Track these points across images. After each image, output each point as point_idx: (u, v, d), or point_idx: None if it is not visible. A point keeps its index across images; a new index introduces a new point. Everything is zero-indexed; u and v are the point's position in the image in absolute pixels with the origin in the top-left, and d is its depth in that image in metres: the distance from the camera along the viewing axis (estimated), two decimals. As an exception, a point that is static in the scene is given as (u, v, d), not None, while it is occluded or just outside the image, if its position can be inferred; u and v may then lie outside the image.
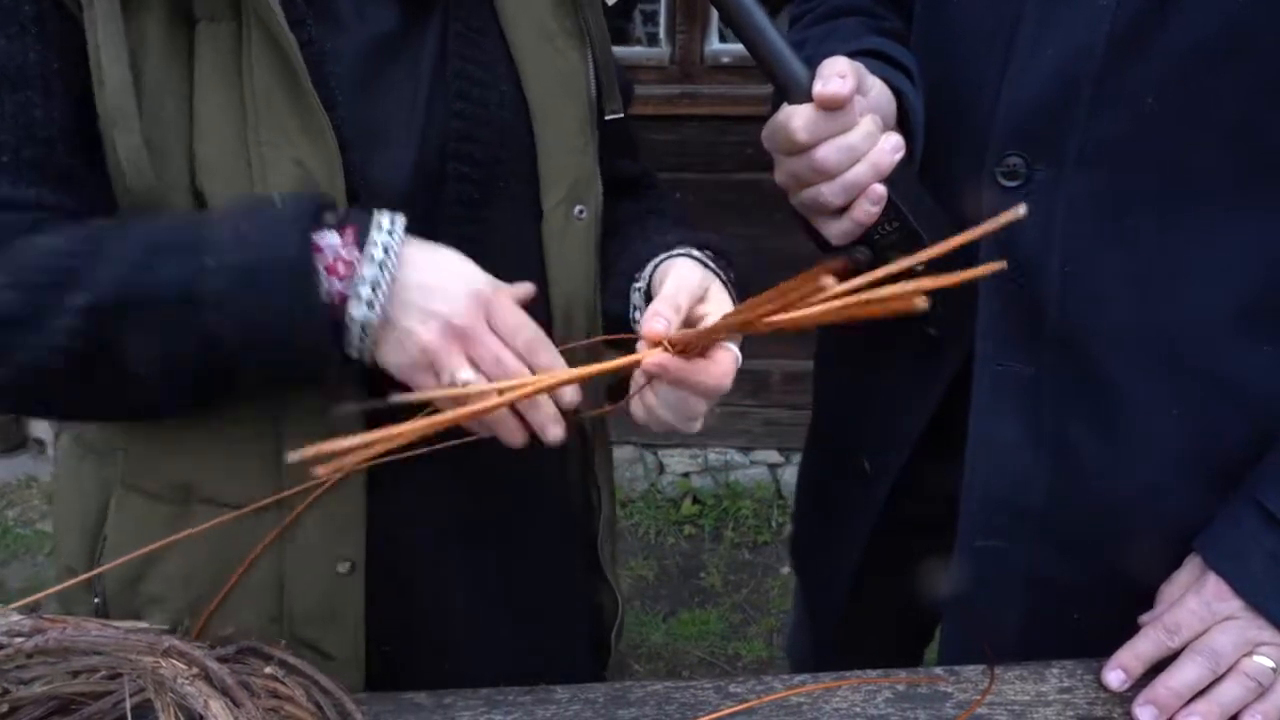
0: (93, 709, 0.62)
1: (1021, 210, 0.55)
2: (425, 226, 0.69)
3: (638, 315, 0.74)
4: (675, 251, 0.73)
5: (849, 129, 0.68)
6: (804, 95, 0.69)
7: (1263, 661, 0.66)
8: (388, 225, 0.63)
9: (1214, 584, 0.69)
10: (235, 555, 0.71)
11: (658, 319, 0.62)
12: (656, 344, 0.62)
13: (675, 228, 0.79)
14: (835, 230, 0.73)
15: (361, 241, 0.61)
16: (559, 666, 0.77)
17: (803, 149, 0.69)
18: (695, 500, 2.90)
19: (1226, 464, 0.73)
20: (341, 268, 0.61)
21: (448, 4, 0.72)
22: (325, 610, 0.73)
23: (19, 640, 0.59)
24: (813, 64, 0.80)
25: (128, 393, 0.64)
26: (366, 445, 0.53)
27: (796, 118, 0.69)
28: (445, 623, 0.78)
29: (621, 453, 2.92)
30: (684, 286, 0.66)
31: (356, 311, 0.61)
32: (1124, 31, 0.66)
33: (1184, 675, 0.68)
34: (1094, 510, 0.77)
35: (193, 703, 0.57)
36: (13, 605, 0.62)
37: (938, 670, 0.74)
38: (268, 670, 0.68)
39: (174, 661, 0.59)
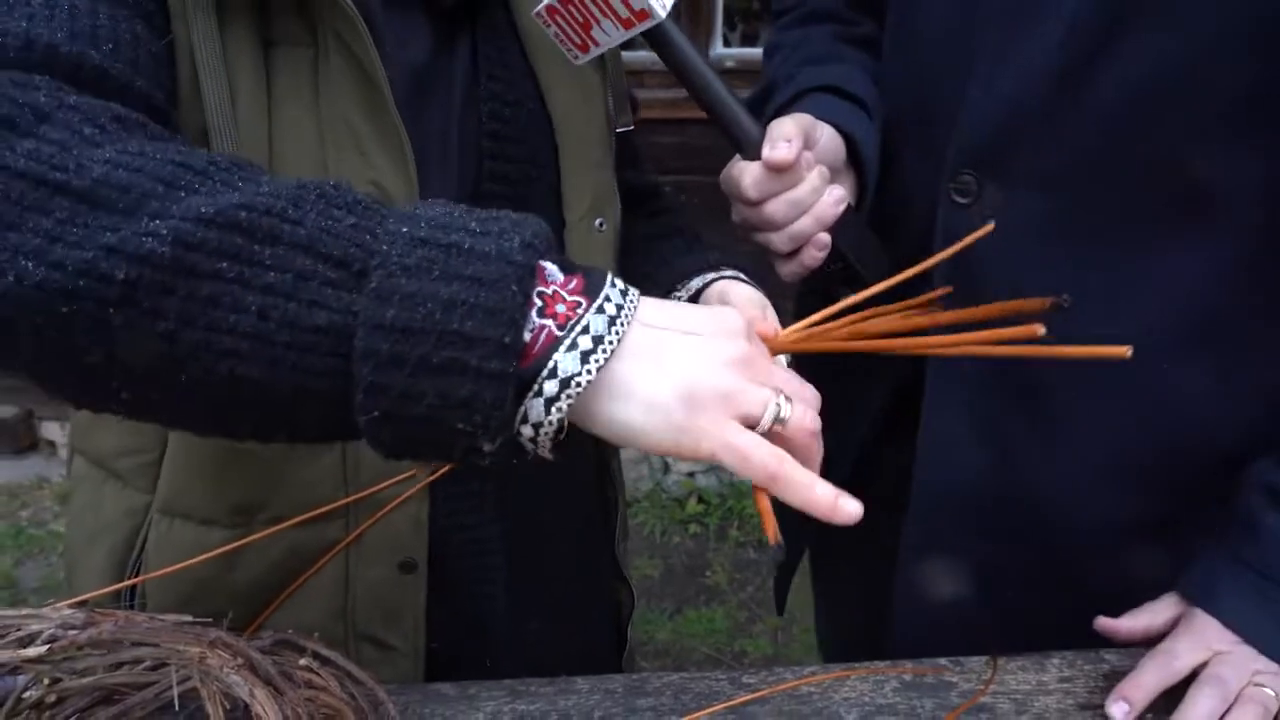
0: (135, 699, 0.65)
1: (990, 227, 0.62)
2: None
3: None
4: (724, 273, 0.75)
5: (795, 185, 0.75)
6: (754, 152, 0.75)
7: (1266, 691, 0.69)
8: (622, 285, 0.50)
9: (1201, 619, 0.73)
10: (300, 563, 0.73)
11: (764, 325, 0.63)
12: None
13: (709, 248, 0.82)
14: (785, 270, 0.80)
15: (591, 292, 0.48)
16: (586, 659, 0.80)
17: (753, 204, 0.76)
18: (700, 499, 2.93)
19: (1151, 471, 0.79)
20: (562, 309, 0.47)
21: (475, 27, 0.74)
22: (388, 607, 0.76)
23: (73, 633, 0.62)
24: (776, 88, 0.87)
25: (167, 373, 0.45)
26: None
27: (747, 176, 0.75)
28: (490, 621, 0.82)
29: (626, 453, 2.95)
30: (755, 305, 0.69)
31: (565, 361, 0.46)
32: (1070, 66, 0.71)
33: (1200, 708, 0.69)
34: (1029, 504, 0.83)
35: (238, 691, 0.60)
36: (64, 601, 0.65)
37: (942, 661, 0.77)
38: (302, 662, 0.71)
39: (220, 652, 0.62)
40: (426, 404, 0.45)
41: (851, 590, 1.09)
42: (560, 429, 0.47)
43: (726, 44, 2.59)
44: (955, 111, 0.78)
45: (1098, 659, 0.78)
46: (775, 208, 0.75)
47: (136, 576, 0.75)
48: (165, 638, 0.63)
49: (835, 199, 0.76)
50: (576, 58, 0.74)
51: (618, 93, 0.82)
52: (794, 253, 0.78)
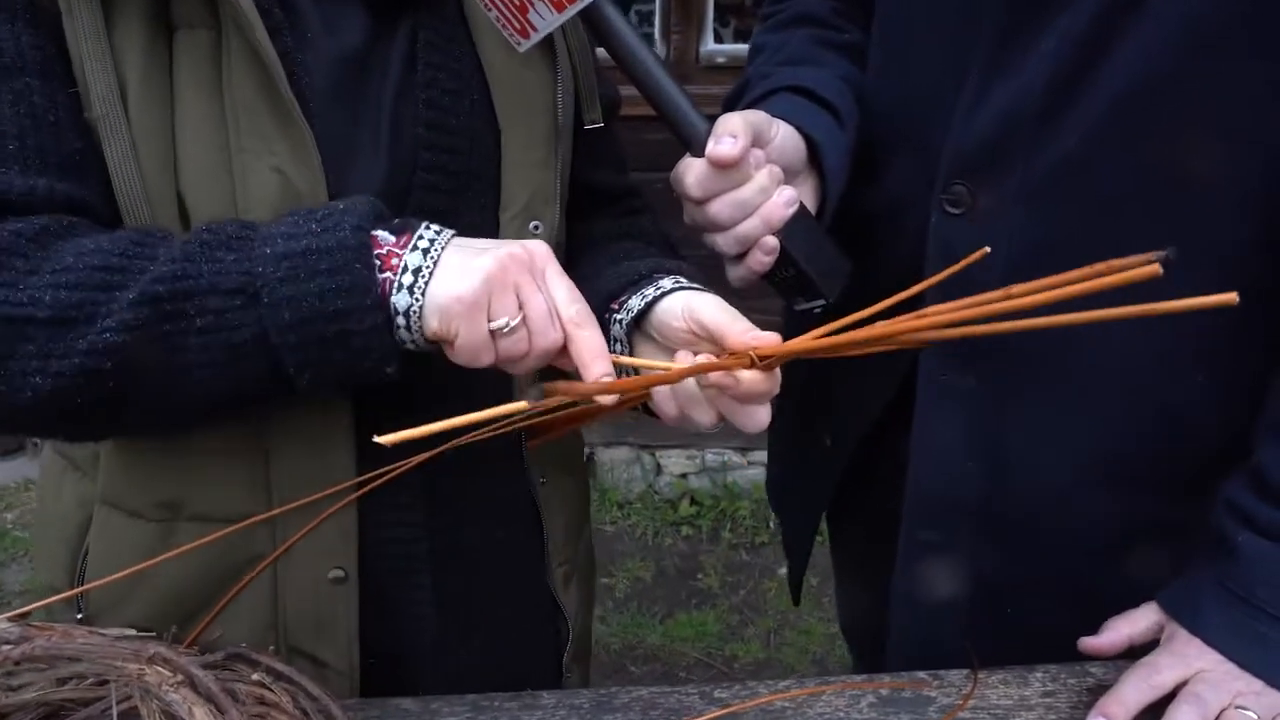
0: (79, 716, 0.62)
1: (986, 250, 0.61)
2: None
3: (619, 349, 0.72)
4: (662, 285, 0.71)
5: (741, 184, 0.72)
6: (701, 150, 0.72)
7: (1248, 714, 0.67)
8: (436, 228, 0.63)
9: (1183, 636, 0.71)
10: (227, 569, 0.71)
11: (756, 335, 0.63)
12: (743, 356, 0.62)
13: (648, 254, 0.78)
14: (734, 275, 0.77)
15: (411, 240, 0.62)
16: (521, 689, 0.77)
17: (697, 203, 0.73)
18: (693, 501, 2.91)
19: (1135, 477, 0.78)
20: (394, 260, 0.61)
21: (417, 13, 0.71)
22: (319, 619, 0.73)
23: (7, 648, 0.59)
24: (751, 86, 0.86)
25: (170, 398, 0.62)
26: (441, 433, 0.56)
27: (690, 174, 0.72)
28: (420, 640, 0.79)
29: (619, 454, 2.93)
30: (726, 313, 0.66)
31: (400, 300, 0.60)
32: (1060, 79, 0.70)
33: None
34: (1019, 508, 0.82)
35: (177, 709, 0.58)
36: (1, 615, 0.62)
37: (921, 674, 0.75)
38: (255, 677, 0.68)
39: (159, 669, 0.59)
40: (339, 360, 0.61)
41: (861, 580, 1.09)
42: (424, 331, 0.62)
43: (719, 40, 2.56)
44: (947, 122, 0.77)
45: (1083, 672, 0.75)
46: (719, 208, 0.72)
47: (85, 560, 0.74)
48: (104, 653, 0.60)
49: (785, 201, 0.73)
50: (519, 44, 0.72)
51: (585, 88, 0.78)
52: (743, 256, 0.75)
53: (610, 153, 0.86)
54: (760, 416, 0.65)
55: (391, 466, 0.66)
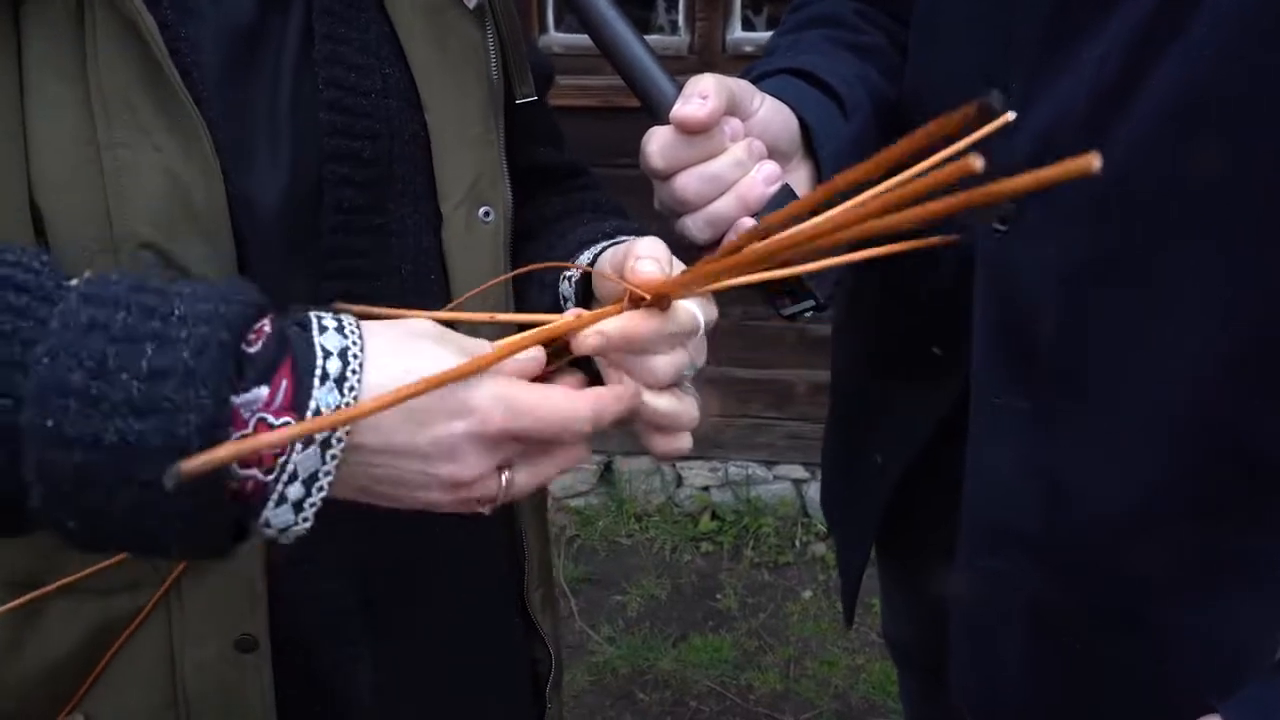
0: None
1: (1011, 116, 0.54)
2: (307, 243, 0.59)
3: (568, 307, 0.65)
4: (620, 239, 0.63)
5: (713, 156, 0.62)
6: (668, 114, 0.63)
7: None
8: (335, 370, 0.44)
9: None
10: (111, 641, 0.60)
11: (647, 262, 0.54)
12: (637, 296, 0.54)
13: (612, 218, 0.71)
14: None
15: (300, 401, 0.42)
16: None
17: (661, 176, 0.63)
18: (714, 515, 2.76)
19: (1205, 500, 0.71)
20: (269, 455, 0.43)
21: None
22: (225, 694, 0.62)
23: None
24: (747, 73, 0.76)
25: None
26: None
27: (653, 141, 0.63)
28: (354, 703, 0.68)
29: (638, 464, 2.79)
30: (658, 248, 0.57)
31: (279, 516, 0.43)
32: (1104, 92, 0.64)
33: None
34: (1076, 538, 0.75)
35: None
36: None
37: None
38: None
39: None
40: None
41: (906, 600, 1.03)
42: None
43: (750, 27, 2.40)
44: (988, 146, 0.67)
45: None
46: (687, 181, 0.62)
47: None
48: None
49: (765, 178, 0.63)
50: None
51: (514, 57, 0.68)
52: (716, 244, 0.64)
53: (548, 129, 0.78)
54: (678, 442, 0.56)
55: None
